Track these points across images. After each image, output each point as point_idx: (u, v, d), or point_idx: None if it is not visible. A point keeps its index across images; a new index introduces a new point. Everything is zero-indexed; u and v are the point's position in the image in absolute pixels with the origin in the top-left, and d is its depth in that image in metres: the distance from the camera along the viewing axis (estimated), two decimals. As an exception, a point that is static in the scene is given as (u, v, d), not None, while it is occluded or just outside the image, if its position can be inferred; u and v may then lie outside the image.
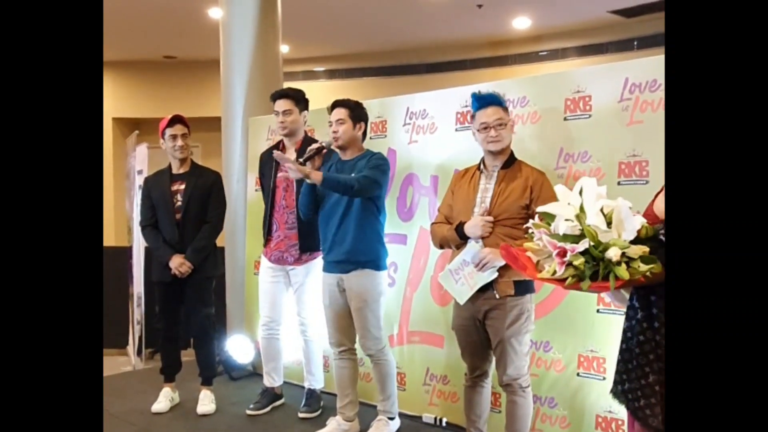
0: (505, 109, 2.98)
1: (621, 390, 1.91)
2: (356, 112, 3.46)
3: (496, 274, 2.88)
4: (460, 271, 2.96)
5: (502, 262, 2.76)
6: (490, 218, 2.88)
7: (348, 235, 3.38)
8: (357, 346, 3.59)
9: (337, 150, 3.50)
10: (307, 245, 3.84)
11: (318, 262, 3.94)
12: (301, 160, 3.39)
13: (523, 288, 2.88)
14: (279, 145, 3.97)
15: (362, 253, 3.39)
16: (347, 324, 3.52)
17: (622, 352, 1.93)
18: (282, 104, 3.84)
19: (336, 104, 3.49)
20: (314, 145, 3.43)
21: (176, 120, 3.99)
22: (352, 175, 3.33)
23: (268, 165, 3.98)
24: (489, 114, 2.93)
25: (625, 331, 1.94)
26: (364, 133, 3.53)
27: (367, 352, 3.50)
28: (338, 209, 3.40)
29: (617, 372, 1.94)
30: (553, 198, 2.64)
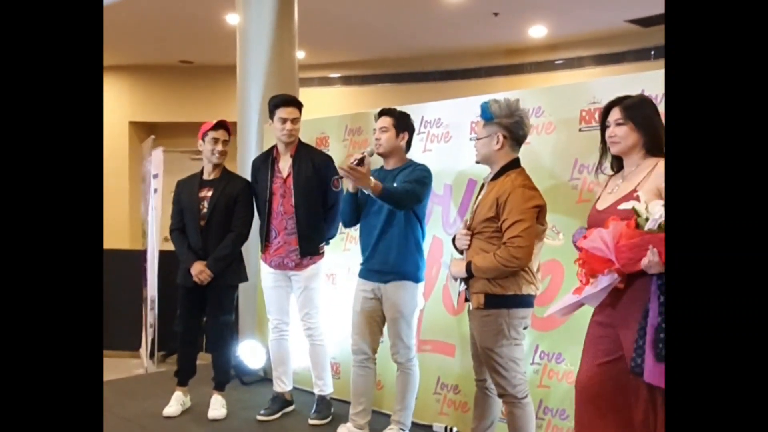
0: (490, 122, 2.91)
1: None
2: (401, 122, 3.47)
3: (462, 286, 2.97)
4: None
5: (463, 275, 2.88)
6: (464, 231, 2.96)
7: (390, 245, 3.41)
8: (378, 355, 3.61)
9: (381, 157, 3.51)
10: (307, 249, 3.88)
11: (321, 265, 3.97)
12: (344, 168, 3.32)
13: (496, 302, 2.85)
14: (272, 152, 3.99)
15: (403, 264, 3.41)
16: (374, 332, 3.54)
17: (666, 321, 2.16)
18: (292, 111, 3.86)
19: (382, 112, 3.51)
20: (357, 155, 3.36)
21: (221, 125, 4.02)
22: (394, 185, 3.35)
23: (262, 171, 4.00)
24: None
25: (663, 303, 2.17)
26: (408, 144, 3.53)
27: (398, 361, 3.51)
28: (380, 218, 3.41)
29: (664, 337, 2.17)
30: (516, 208, 2.77)
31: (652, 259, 2.12)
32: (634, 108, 2.46)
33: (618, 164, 2.55)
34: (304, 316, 3.97)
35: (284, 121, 3.84)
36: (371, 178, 3.24)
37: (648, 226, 2.15)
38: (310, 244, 3.88)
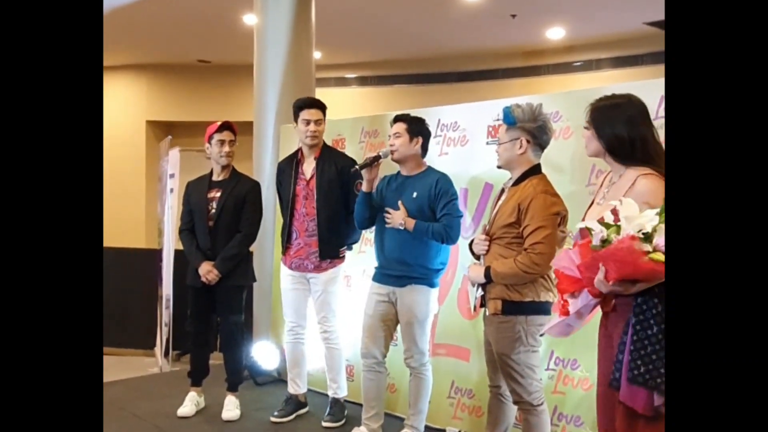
0: (513, 126, 2.87)
1: (638, 372, 2.07)
2: (414, 127, 3.45)
3: (480, 291, 2.94)
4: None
5: (482, 280, 2.86)
6: (482, 236, 2.94)
7: (407, 250, 3.39)
8: (387, 359, 3.59)
9: (395, 163, 3.50)
10: (327, 252, 3.87)
11: (341, 269, 3.97)
12: (357, 167, 3.40)
13: (514, 308, 2.83)
14: (298, 154, 4.00)
15: (419, 268, 3.40)
16: (385, 336, 3.53)
17: (634, 342, 2.09)
18: (315, 113, 3.87)
19: (396, 118, 3.50)
20: (370, 155, 3.42)
21: (226, 126, 4.03)
22: (414, 194, 3.37)
23: (286, 173, 4.01)
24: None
25: (634, 325, 2.09)
26: (424, 148, 3.50)
27: (411, 365, 3.50)
28: None
29: (632, 360, 2.09)
30: (538, 215, 2.74)
31: (598, 277, 2.04)
32: (601, 110, 2.28)
33: None
34: (321, 319, 3.97)
35: (307, 122, 3.85)
36: (406, 214, 3.34)
37: (593, 242, 2.06)
38: (330, 247, 3.88)
